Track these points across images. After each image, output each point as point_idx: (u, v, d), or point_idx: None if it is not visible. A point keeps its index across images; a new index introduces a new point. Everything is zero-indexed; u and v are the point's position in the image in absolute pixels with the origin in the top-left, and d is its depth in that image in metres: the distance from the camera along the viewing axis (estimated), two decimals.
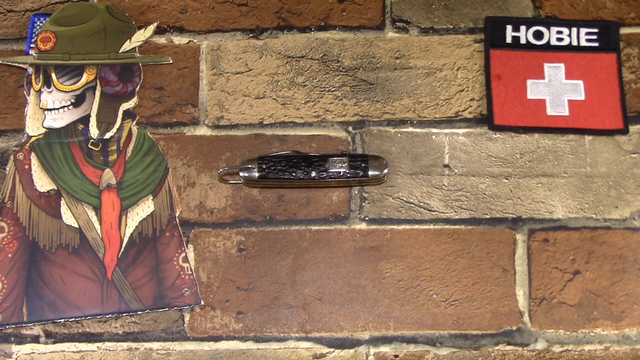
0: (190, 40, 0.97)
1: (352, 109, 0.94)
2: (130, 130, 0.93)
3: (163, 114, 0.94)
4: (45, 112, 0.94)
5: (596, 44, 0.95)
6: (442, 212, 0.91)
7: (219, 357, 0.89)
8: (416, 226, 0.91)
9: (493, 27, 0.95)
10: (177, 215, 0.91)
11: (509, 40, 0.95)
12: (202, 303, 0.89)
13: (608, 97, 0.93)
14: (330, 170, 0.87)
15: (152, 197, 0.92)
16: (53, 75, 0.94)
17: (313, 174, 0.88)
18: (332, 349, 0.89)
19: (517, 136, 0.93)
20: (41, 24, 0.96)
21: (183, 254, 0.90)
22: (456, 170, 0.92)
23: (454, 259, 0.90)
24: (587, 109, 0.93)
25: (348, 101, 0.94)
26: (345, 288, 0.90)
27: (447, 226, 0.91)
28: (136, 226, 0.91)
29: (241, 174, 0.89)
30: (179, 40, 0.97)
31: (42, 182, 0.92)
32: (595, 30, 0.95)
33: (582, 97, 0.93)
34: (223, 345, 0.89)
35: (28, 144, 0.93)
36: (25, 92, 0.95)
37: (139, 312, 0.89)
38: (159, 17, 0.97)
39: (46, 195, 0.91)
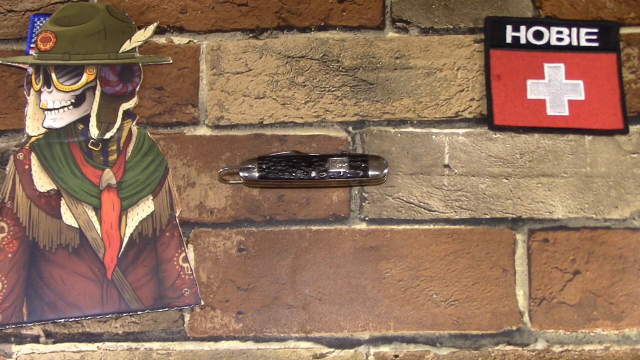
0: (190, 40, 0.97)
1: (352, 109, 0.94)
2: (130, 130, 0.93)
3: (163, 114, 0.94)
4: (45, 112, 0.94)
5: (596, 44, 0.95)
6: (442, 212, 0.91)
7: (219, 357, 0.89)
8: (416, 226, 0.91)
9: (493, 27, 0.95)
10: (177, 215, 0.91)
11: (509, 40, 0.95)
12: (202, 303, 0.89)
13: (608, 97, 0.93)
14: (330, 170, 0.87)
15: (152, 197, 0.92)
16: (53, 75, 0.94)
17: (313, 174, 0.88)
18: (332, 349, 0.89)
19: (517, 136, 0.93)
20: (41, 24, 0.96)
21: (183, 254, 0.90)
22: (456, 170, 0.92)
23: (454, 259, 0.90)
24: (587, 109, 0.93)
25: (348, 101, 0.94)
26: (345, 288, 0.90)
27: (447, 226, 0.91)
28: (136, 226, 0.91)
29: (241, 174, 0.89)
30: (179, 40, 0.97)
31: (42, 182, 0.92)
32: (595, 30, 0.95)
33: (582, 97, 0.93)
34: (223, 345, 0.89)
35: (28, 144, 0.93)
36: (25, 92, 0.95)
37: (139, 312, 0.89)
38: (159, 17, 0.97)
39: (46, 195, 0.91)
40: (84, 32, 0.95)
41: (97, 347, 0.89)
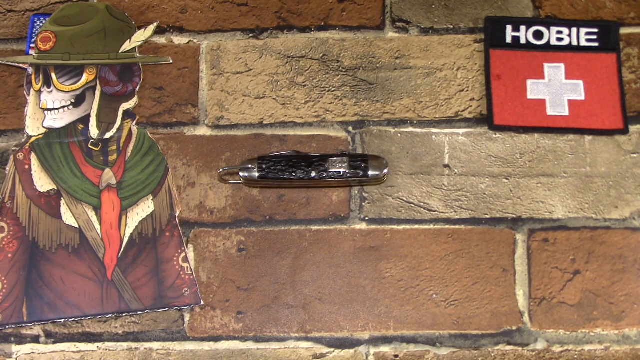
0: (190, 40, 0.97)
1: (352, 109, 0.94)
2: (130, 130, 0.94)
3: (163, 114, 0.94)
4: (45, 112, 0.94)
5: (596, 44, 0.95)
6: (442, 212, 0.91)
7: (219, 357, 0.89)
8: (416, 226, 0.91)
9: (493, 27, 0.95)
10: (177, 215, 0.91)
11: (509, 40, 0.95)
12: (202, 303, 0.89)
13: (608, 97, 0.93)
14: (330, 170, 0.87)
15: (152, 197, 0.92)
16: (53, 75, 0.94)
17: (313, 174, 0.88)
18: (332, 349, 0.89)
19: (517, 136, 0.93)
20: (41, 24, 0.96)
21: (183, 254, 0.90)
22: (456, 170, 0.92)
23: (454, 259, 0.90)
24: (587, 109, 0.93)
25: (348, 101, 0.94)
26: (345, 288, 0.90)
27: (447, 226, 0.91)
28: (136, 226, 0.91)
29: (241, 174, 0.89)
30: (179, 40, 0.97)
31: (42, 182, 0.92)
32: (595, 30, 0.95)
33: (582, 97, 0.93)
34: (223, 345, 0.89)
35: (28, 144, 0.93)
36: (25, 92, 0.95)
37: (139, 312, 0.89)
38: (159, 17, 0.97)
39: (46, 195, 0.91)
40: (84, 32, 0.95)
41: (97, 347, 0.89)
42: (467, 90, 0.94)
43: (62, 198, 0.91)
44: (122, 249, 0.90)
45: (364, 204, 0.92)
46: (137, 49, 0.96)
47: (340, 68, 0.95)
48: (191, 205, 0.92)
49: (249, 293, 0.90)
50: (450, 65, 0.95)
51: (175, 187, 0.92)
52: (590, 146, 0.93)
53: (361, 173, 0.88)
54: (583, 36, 0.95)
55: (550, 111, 0.93)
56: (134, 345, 0.89)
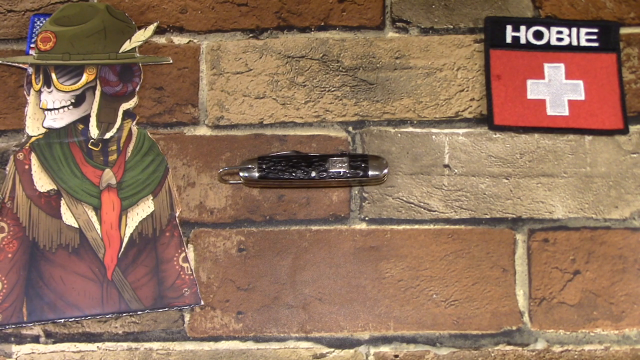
0: (190, 40, 0.97)
1: (352, 109, 0.94)
2: (130, 130, 0.94)
3: (163, 114, 0.94)
4: (45, 112, 0.94)
5: (596, 44, 0.95)
6: (442, 212, 0.91)
7: (219, 357, 0.89)
8: (416, 226, 0.91)
9: (493, 27, 0.95)
10: (177, 215, 0.91)
11: (509, 40, 0.95)
12: (202, 303, 0.90)
13: (608, 97, 0.93)
14: (330, 170, 0.87)
15: (152, 197, 0.92)
16: (53, 75, 0.94)
17: (313, 174, 0.88)
18: (332, 349, 0.89)
19: (517, 136, 0.93)
20: (41, 24, 0.96)
21: (183, 254, 0.90)
22: (456, 170, 0.92)
23: (454, 259, 0.90)
24: (587, 109, 0.93)
25: (348, 101, 0.94)
26: (345, 288, 0.90)
27: (447, 226, 0.91)
28: (136, 226, 0.91)
29: (241, 174, 0.89)
30: (179, 40, 0.97)
31: (42, 182, 0.92)
32: (595, 30, 0.95)
33: (582, 97, 0.93)
34: (223, 345, 0.89)
35: (28, 144, 0.93)
36: (25, 92, 0.95)
37: (139, 312, 0.89)
38: (159, 17, 0.97)
39: (46, 195, 0.91)
40: (84, 32, 0.95)
41: (97, 347, 0.89)
42: (467, 90, 0.94)
43: (62, 198, 0.91)
44: (122, 249, 0.90)
45: (364, 204, 0.92)
46: (137, 49, 0.96)
47: (340, 68, 0.95)
48: (191, 205, 0.92)
49: (249, 293, 0.90)
50: (450, 65, 0.95)
51: (175, 187, 0.92)
52: (590, 146, 0.93)
53: (361, 173, 0.88)
54: (583, 36, 0.95)
55: (550, 111, 0.93)
56: (134, 345, 0.89)
